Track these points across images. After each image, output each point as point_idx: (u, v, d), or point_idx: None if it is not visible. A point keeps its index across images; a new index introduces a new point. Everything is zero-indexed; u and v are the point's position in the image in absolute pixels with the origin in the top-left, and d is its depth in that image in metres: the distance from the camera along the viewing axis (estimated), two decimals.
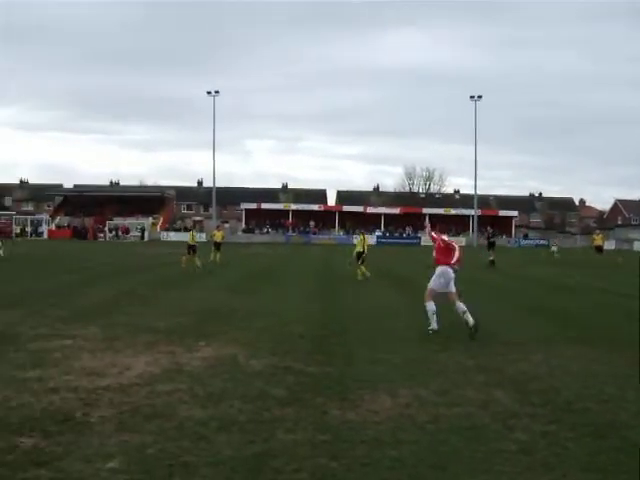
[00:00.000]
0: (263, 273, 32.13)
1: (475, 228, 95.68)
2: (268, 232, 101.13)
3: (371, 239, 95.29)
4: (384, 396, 8.70)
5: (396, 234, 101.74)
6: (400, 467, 6.16)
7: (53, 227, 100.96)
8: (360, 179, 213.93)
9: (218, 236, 38.93)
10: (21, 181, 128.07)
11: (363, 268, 28.12)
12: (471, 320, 13.29)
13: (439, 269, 14.04)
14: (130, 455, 6.36)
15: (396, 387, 9.16)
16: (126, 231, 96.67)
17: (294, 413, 7.85)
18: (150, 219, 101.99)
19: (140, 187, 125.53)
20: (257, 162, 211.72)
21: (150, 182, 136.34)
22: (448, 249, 14.21)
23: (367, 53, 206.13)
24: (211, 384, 9.16)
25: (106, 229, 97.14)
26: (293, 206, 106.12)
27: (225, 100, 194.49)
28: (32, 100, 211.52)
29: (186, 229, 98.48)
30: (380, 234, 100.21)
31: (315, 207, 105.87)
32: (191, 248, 34.01)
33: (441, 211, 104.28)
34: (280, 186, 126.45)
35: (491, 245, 41.60)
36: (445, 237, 14.75)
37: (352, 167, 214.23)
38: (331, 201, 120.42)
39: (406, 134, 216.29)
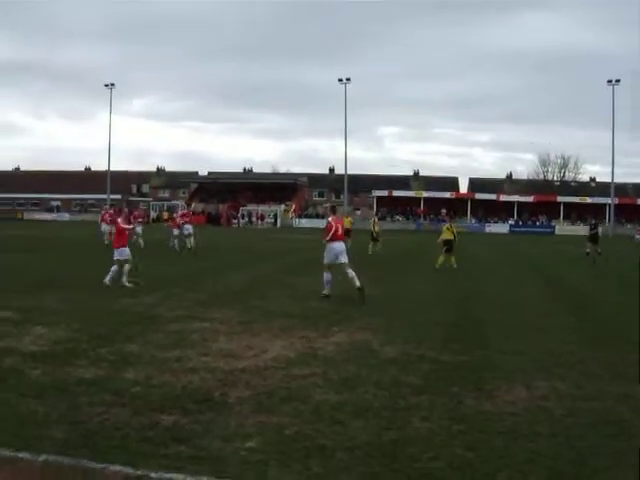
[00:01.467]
0: (394, 260, 32.03)
1: (612, 217, 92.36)
2: (399, 220, 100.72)
3: (504, 228, 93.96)
4: (520, 387, 8.53)
5: (529, 223, 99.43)
6: (538, 460, 6.02)
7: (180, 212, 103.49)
8: (491, 166, 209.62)
9: (346, 222, 39.24)
10: (158, 169, 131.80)
11: (452, 258, 27.28)
12: (357, 283, 16.49)
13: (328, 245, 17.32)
14: (267, 436, 6.48)
15: (532, 378, 8.97)
16: (261, 217, 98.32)
17: (429, 401, 7.80)
18: (283, 206, 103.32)
19: (273, 174, 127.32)
20: (388, 149, 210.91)
21: (282, 169, 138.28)
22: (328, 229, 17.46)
23: (499, 38, 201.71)
24: (345, 369, 9.22)
25: (239, 215, 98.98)
26: (424, 193, 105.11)
27: (356, 88, 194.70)
28: (167, 90, 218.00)
29: (317, 216, 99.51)
30: (513, 223, 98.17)
31: (447, 195, 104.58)
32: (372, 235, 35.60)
33: (576, 199, 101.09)
34: (411, 173, 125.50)
35: (593, 238, 36.80)
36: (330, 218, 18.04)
37: (483, 154, 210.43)
38: (463, 189, 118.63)
39: (539, 120, 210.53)
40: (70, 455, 5.83)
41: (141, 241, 34.46)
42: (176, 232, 34.84)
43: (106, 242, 35.17)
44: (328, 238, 17.29)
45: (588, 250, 35.99)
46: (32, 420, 6.78)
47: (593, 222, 39.15)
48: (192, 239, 33.87)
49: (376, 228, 36.90)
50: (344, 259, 17.17)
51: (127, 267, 18.77)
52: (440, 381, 8.75)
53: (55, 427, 6.58)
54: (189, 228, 34.12)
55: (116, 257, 18.81)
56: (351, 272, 16.91)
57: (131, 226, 21.73)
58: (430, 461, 5.95)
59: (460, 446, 6.33)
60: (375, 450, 6.16)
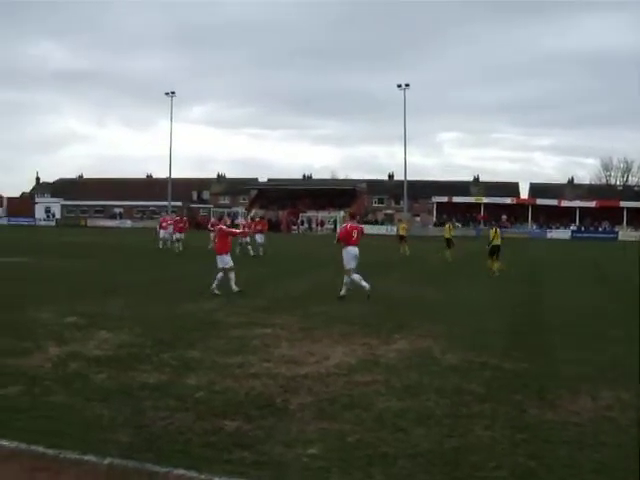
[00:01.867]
0: (452, 266, 31.80)
1: None
2: (459, 226, 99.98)
3: (565, 234, 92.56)
4: (584, 397, 8.39)
5: (591, 228, 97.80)
6: (604, 470, 5.91)
7: (248, 220, 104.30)
8: (552, 171, 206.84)
9: (401, 229, 42.21)
10: (218, 175, 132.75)
11: (497, 264, 26.86)
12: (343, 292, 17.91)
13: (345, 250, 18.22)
14: (329, 442, 6.48)
15: (596, 388, 8.81)
16: (321, 224, 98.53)
17: (491, 410, 7.72)
18: (342, 212, 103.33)
19: (332, 180, 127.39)
20: (447, 155, 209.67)
21: (341, 175, 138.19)
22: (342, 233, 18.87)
23: (562, 41, 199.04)
24: (407, 376, 9.18)
25: (299, 222, 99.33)
26: (485, 199, 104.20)
27: (415, 93, 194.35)
28: (228, 97, 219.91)
29: (377, 222, 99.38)
30: (575, 228, 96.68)
31: (507, 200, 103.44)
32: (448, 241, 35.37)
33: None
34: (471, 179, 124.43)
35: None
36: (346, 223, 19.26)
37: (544, 159, 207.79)
38: (524, 194, 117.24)
39: (600, 123, 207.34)
40: (135, 459, 5.91)
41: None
42: (245, 239, 35.05)
43: (160, 246, 36.12)
44: (341, 242, 18.48)
45: None
46: (97, 424, 6.89)
47: None
48: (262, 248, 34.79)
49: (452, 233, 36.56)
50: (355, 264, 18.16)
51: (233, 274, 18.76)
52: (502, 389, 8.66)
53: (120, 431, 6.67)
54: (262, 237, 34.78)
55: (220, 265, 18.75)
56: (356, 276, 17.99)
57: (239, 231, 21.39)
58: (493, 470, 5.89)
59: (523, 455, 6.26)
60: (437, 458, 6.11)
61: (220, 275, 18.52)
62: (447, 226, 38.08)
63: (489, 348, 11.31)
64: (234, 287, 18.45)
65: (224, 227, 19.88)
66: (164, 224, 39.86)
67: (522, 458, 6.17)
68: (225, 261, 18.73)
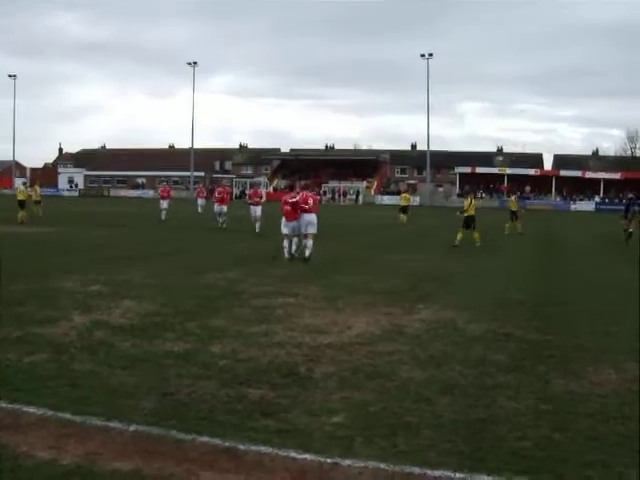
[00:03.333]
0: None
1: None
2: (482, 197, 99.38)
3: (589, 206, 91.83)
4: (608, 369, 8.34)
5: (616, 200, 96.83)
6: (628, 444, 5.85)
7: (270, 190, 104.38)
8: (576, 142, 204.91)
9: (403, 200, 43.71)
10: (240, 145, 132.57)
11: (477, 234, 26.31)
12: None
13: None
14: (353, 412, 6.49)
15: (621, 360, 8.76)
16: (343, 194, 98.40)
17: (515, 380, 7.71)
18: (364, 183, 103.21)
19: (355, 151, 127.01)
20: (469, 125, 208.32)
21: (363, 146, 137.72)
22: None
23: (587, 9, 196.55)
24: (431, 347, 9.17)
25: (322, 192, 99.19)
26: (508, 170, 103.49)
27: (437, 63, 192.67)
28: (248, 67, 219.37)
29: (399, 192, 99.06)
30: (599, 200, 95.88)
31: (531, 172, 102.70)
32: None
33: None
34: (494, 149, 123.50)
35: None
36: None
37: (568, 130, 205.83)
38: (547, 165, 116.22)
39: (627, 94, 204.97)
40: (160, 425, 5.95)
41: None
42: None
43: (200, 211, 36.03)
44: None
45: (629, 229, 29.94)
46: (122, 391, 6.94)
47: (630, 197, 33.93)
48: None
49: (516, 206, 35.74)
50: (312, 230, 19.87)
51: (296, 240, 20.08)
52: (527, 360, 8.64)
53: (145, 398, 6.71)
54: None
55: (285, 232, 19.86)
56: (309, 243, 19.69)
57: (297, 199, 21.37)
58: (517, 440, 5.87)
59: (547, 426, 6.23)
60: (461, 428, 6.11)
61: (286, 242, 19.91)
62: (512, 198, 37.25)
63: (513, 319, 11.28)
64: (294, 252, 20.04)
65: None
66: (219, 196, 37.35)
67: (546, 430, 6.14)
68: (291, 227, 19.91)
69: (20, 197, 36.61)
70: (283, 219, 19.79)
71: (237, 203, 50.19)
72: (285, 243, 19.88)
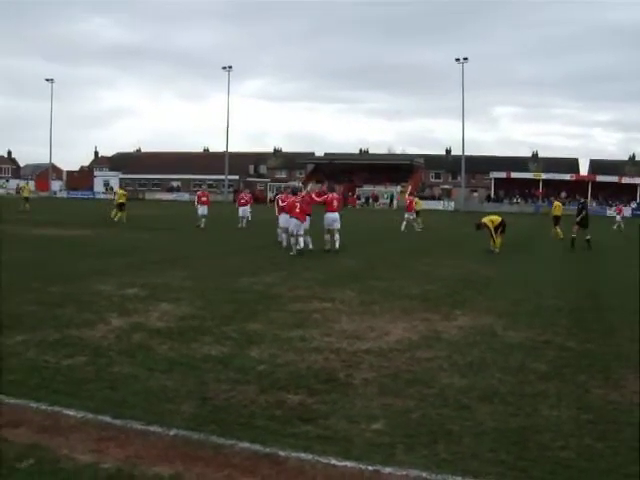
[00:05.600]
0: (512, 243, 31.44)
1: None
2: (517, 202, 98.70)
3: (626, 211, 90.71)
4: None
5: None
6: None
7: (304, 194, 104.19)
8: (612, 147, 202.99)
9: (418, 204, 43.19)
10: (275, 149, 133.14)
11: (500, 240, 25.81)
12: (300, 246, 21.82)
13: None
14: (393, 419, 6.44)
15: None
16: (375, 198, 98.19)
17: (555, 389, 7.61)
18: (399, 187, 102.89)
19: (389, 155, 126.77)
20: (503, 129, 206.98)
21: (398, 150, 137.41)
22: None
23: (625, 11, 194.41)
24: (470, 353, 9.10)
25: (355, 196, 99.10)
26: (543, 175, 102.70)
27: (471, 67, 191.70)
28: (281, 71, 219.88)
29: (434, 197, 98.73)
30: (635, 206, 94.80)
31: (567, 177, 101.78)
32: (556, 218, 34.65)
33: None
34: (529, 154, 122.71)
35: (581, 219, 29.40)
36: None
37: (604, 135, 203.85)
38: (583, 170, 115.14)
39: None
40: (199, 430, 5.94)
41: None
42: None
43: (239, 225, 35.38)
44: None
45: (574, 235, 28.96)
46: (162, 395, 6.95)
47: (582, 201, 31.57)
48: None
49: (561, 211, 35.20)
50: (337, 225, 23.52)
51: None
52: (567, 368, 8.53)
53: (184, 402, 6.71)
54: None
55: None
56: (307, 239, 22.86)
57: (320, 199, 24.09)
58: (560, 450, 5.79)
59: (589, 436, 6.14)
60: (503, 437, 6.03)
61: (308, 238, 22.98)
62: (556, 204, 36.02)
63: (551, 326, 11.16)
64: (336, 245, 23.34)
65: (314, 196, 24.19)
66: (242, 200, 36.91)
67: (588, 439, 6.06)
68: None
69: (120, 200, 38.75)
70: (285, 215, 23.19)
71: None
72: (284, 236, 23.80)
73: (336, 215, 23.38)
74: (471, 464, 5.44)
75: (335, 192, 25.49)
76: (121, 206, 38.21)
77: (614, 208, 55.57)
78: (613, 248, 28.91)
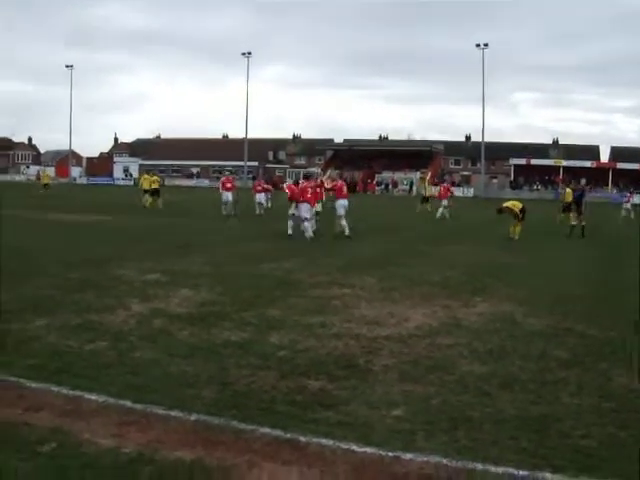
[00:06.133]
0: (532, 230, 31.26)
1: None
2: (538, 189, 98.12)
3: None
4: None
5: None
6: None
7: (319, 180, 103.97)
8: (633, 134, 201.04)
9: (429, 189, 45.97)
10: (294, 136, 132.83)
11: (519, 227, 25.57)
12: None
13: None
14: (414, 405, 6.43)
15: None
16: (394, 184, 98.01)
17: (576, 376, 7.56)
18: (418, 173, 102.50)
19: (409, 141, 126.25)
20: (523, 115, 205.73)
21: (417, 136, 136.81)
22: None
23: None
24: (490, 340, 9.06)
25: (375, 183, 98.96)
26: (564, 162, 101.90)
27: (490, 53, 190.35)
28: (300, 57, 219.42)
29: (453, 184, 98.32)
30: None
31: (587, 164, 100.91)
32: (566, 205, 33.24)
33: None
34: (550, 141, 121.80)
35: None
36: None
37: (625, 121, 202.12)
38: (604, 158, 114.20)
39: None
40: (220, 415, 5.96)
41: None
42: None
43: (257, 212, 34.97)
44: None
45: (573, 222, 28.65)
46: (182, 380, 6.98)
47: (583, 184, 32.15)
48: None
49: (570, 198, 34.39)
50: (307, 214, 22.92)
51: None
52: (588, 356, 8.46)
53: (205, 387, 6.74)
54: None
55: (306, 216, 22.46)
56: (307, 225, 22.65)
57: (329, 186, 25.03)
58: (581, 438, 5.75)
59: (612, 425, 6.09)
60: (524, 424, 6.00)
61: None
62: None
63: (572, 313, 11.09)
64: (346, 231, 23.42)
65: (326, 184, 25.07)
66: (259, 187, 36.53)
67: (610, 428, 6.01)
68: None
69: (154, 186, 39.38)
70: (306, 204, 22.63)
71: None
72: (290, 222, 23.45)
73: (346, 201, 24.23)
74: (491, 451, 5.42)
75: (342, 179, 27.82)
76: (155, 192, 38.87)
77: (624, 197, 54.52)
78: (627, 238, 28.57)
